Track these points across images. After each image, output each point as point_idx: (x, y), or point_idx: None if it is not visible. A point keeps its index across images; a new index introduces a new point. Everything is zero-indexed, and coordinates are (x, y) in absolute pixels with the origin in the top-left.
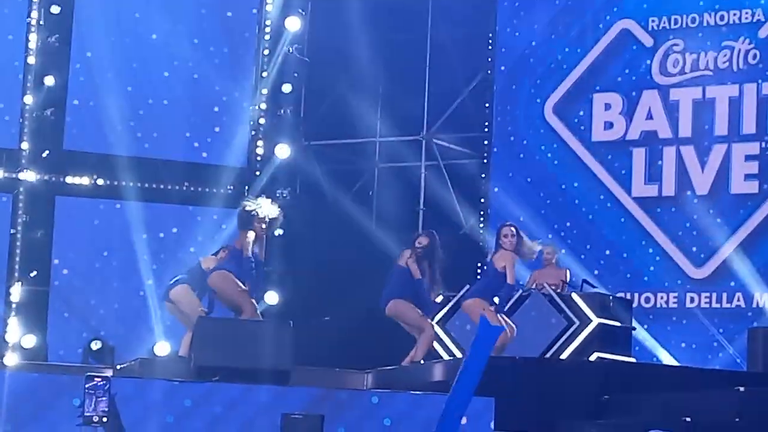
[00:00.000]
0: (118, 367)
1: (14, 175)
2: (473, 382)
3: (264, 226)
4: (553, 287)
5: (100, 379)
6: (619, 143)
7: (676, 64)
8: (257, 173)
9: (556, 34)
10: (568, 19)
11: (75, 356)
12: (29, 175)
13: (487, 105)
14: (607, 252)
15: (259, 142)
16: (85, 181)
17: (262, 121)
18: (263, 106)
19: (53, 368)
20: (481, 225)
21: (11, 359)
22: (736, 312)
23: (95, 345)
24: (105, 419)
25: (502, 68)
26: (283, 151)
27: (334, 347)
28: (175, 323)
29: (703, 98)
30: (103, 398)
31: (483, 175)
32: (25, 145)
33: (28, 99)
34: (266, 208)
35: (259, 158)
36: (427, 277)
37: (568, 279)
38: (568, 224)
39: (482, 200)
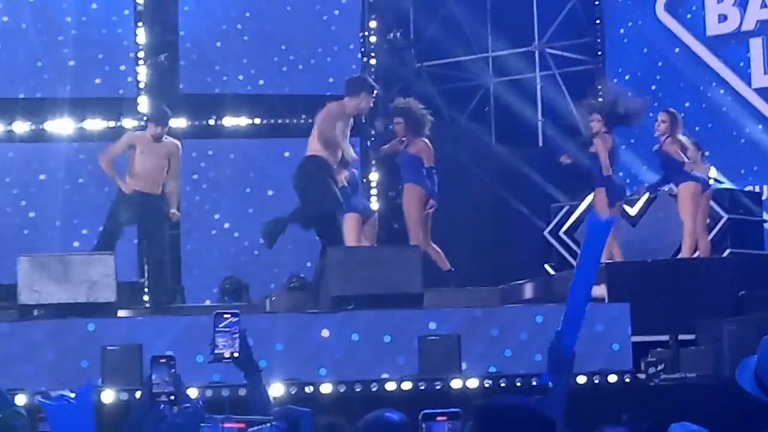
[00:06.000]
0: (253, 302)
1: (135, 123)
2: (590, 281)
3: None
4: None
5: (229, 316)
6: (734, 35)
7: None
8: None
9: None
10: None
11: (211, 296)
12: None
13: (597, 9)
14: (732, 146)
15: (372, 69)
16: (204, 122)
17: (373, 46)
18: (373, 31)
19: (191, 310)
20: None
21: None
22: None
23: (229, 283)
24: (236, 354)
25: None
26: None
27: (463, 265)
28: (300, 256)
29: None
30: (234, 334)
31: (599, 80)
32: (143, 93)
33: (141, 46)
34: None
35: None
36: None
37: (714, 175)
38: (690, 122)
39: None
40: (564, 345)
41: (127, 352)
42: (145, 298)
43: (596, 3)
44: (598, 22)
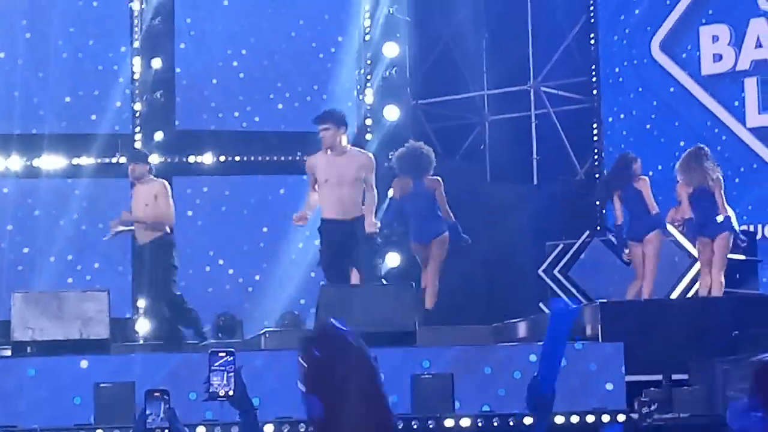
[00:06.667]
0: (247, 340)
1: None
2: (554, 367)
3: None
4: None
5: (224, 354)
6: (729, 74)
7: None
8: (368, 137)
9: None
10: None
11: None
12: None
13: (592, 48)
14: (727, 185)
15: (367, 106)
16: (200, 159)
17: (368, 84)
18: (368, 69)
19: (185, 348)
20: (596, 168)
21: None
22: None
23: (223, 320)
24: (231, 393)
25: (605, 10)
26: (391, 113)
27: (456, 304)
28: (298, 292)
29: None
30: (229, 373)
31: (594, 119)
32: (138, 129)
33: (137, 83)
34: None
35: (368, 122)
36: None
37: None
38: None
39: (595, 145)
40: (544, 385)
41: (120, 389)
42: (140, 334)
43: (591, 42)
44: (593, 67)
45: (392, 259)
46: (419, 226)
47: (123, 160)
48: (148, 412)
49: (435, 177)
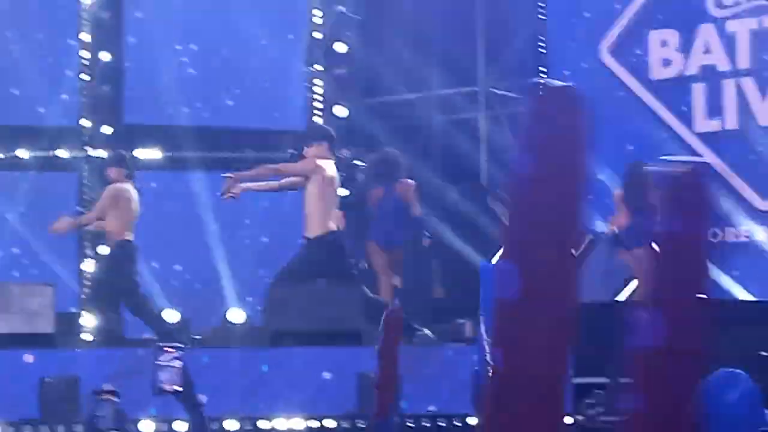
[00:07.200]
0: (195, 337)
1: (77, 153)
2: None
3: None
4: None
5: (171, 350)
6: (678, 80)
7: None
8: None
9: None
10: None
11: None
12: (91, 152)
13: (541, 51)
14: None
15: (317, 104)
16: (148, 154)
17: (318, 82)
18: (318, 67)
19: (129, 343)
20: None
21: (87, 337)
22: None
23: (169, 317)
24: (178, 388)
25: (555, 13)
26: (341, 111)
27: (405, 304)
28: (245, 290)
29: (759, 28)
30: (177, 368)
31: None
32: (85, 122)
33: (85, 76)
34: None
35: (318, 120)
36: None
37: None
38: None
39: None
40: None
41: (65, 384)
42: (85, 329)
43: (541, 45)
44: (542, 69)
45: None
46: (386, 231)
47: (70, 153)
48: (97, 414)
49: (407, 180)
